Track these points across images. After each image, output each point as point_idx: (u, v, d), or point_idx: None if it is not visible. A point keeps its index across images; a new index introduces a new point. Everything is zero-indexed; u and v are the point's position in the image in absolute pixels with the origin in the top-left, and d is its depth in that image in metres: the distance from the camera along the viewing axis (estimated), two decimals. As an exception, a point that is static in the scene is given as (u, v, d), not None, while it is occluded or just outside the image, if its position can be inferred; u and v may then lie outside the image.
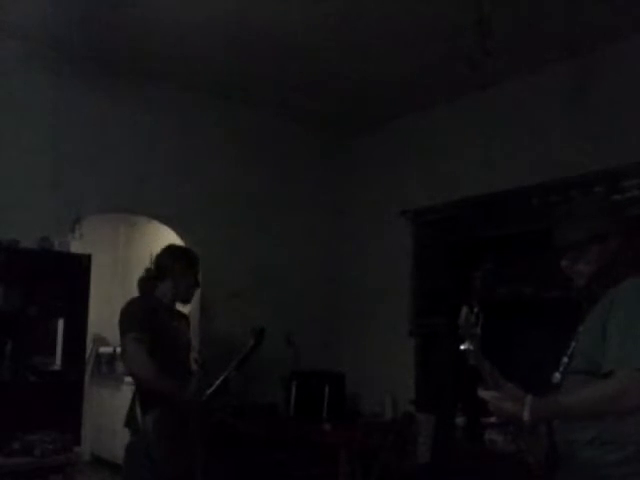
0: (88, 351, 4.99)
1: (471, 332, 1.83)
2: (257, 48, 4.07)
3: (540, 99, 4.25)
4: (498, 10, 3.18)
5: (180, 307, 3.08)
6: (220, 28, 3.83)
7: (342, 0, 3.53)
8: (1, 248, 3.60)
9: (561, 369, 1.89)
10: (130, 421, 2.69)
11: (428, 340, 4.70)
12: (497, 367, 1.94)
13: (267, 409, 4.61)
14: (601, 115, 3.89)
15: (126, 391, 5.12)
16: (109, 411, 5.82)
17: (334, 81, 4.57)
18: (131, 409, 2.70)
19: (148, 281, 2.99)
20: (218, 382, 2.34)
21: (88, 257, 3.95)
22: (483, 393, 1.78)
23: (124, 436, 2.77)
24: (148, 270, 2.98)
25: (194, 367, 2.85)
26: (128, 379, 4.80)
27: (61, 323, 3.97)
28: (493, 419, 1.81)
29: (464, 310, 1.86)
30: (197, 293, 3.23)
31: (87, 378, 5.28)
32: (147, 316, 2.72)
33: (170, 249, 3.04)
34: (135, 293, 3.09)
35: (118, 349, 5.55)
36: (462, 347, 1.84)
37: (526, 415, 1.65)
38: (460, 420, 4.15)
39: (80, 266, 3.89)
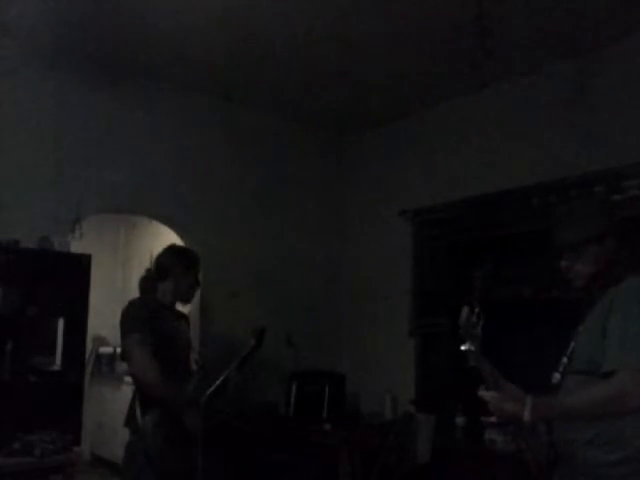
0: (88, 351, 5.00)
1: (472, 332, 1.84)
2: (257, 48, 4.07)
3: (540, 99, 4.24)
4: (498, 9, 3.19)
5: (180, 307, 3.08)
6: (220, 29, 3.82)
7: (342, 0, 3.53)
8: (1, 248, 3.60)
9: (561, 369, 1.89)
10: (130, 421, 2.69)
11: (428, 340, 4.70)
12: (497, 367, 1.94)
13: (267, 409, 4.61)
14: (601, 115, 3.89)
15: (126, 391, 5.12)
16: (109, 411, 5.83)
17: (334, 81, 4.57)
18: (131, 409, 2.71)
19: (149, 281, 3.00)
20: (218, 382, 2.34)
21: (88, 257, 3.95)
22: (484, 394, 1.78)
23: (124, 436, 2.77)
24: (148, 270, 2.99)
25: (194, 367, 2.86)
26: (128, 379, 4.80)
27: (61, 323, 3.96)
28: (493, 419, 1.81)
29: (465, 310, 1.86)
30: (197, 293, 3.23)
31: (87, 378, 5.29)
32: (149, 317, 2.72)
33: (170, 249, 3.05)
34: (135, 293, 3.09)
35: (118, 349, 5.55)
36: (463, 348, 1.85)
37: (527, 415, 1.65)
38: (460, 420, 4.16)
39: (80, 266, 3.89)
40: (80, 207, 4.08)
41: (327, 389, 4.41)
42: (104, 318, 5.45)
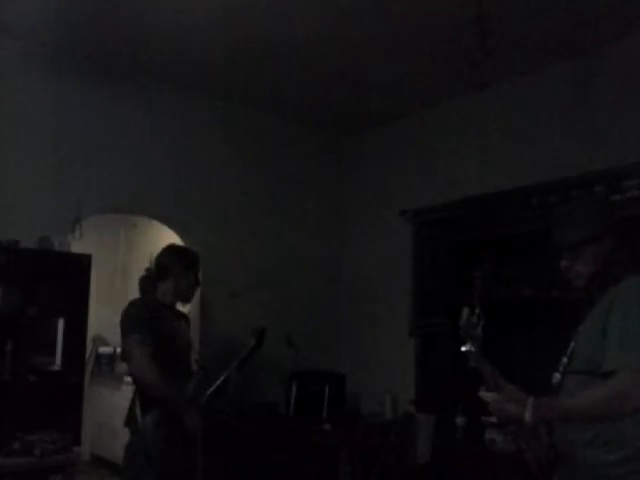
0: (88, 351, 4.99)
1: (472, 333, 1.84)
2: (257, 48, 4.07)
3: (540, 99, 4.24)
4: (498, 9, 3.19)
5: (180, 307, 3.08)
6: (220, 29, 3.82)
7: (342, 0, 3.53)
8: (1, 248, 3.60)
9: (561, 369, 1.89)
10: (130, 421, 2.69)
11: (428, 340, 4.70)
12: (497, 367, 1.94)
13: (267, 409, 4.61)
14: (601, 115, 3.89)
15: (126, 391, 5.12)
16: (109, 411, 5.82)
17: (334, 81, 4.57)
18: (131, 409, 2.71)
19: (149, 281, 3.00)
20: (218, 382, 2.34)
21: (88, 257, 3.95)
22: (484, 395, 1.78)
23: (124, 436, 2.77)
24: (149, 270, 2.99)
25: (194, 367, 2.86)
26: (128, 379, 4.80)
27: (61, 323, 3.96)
28: (493, 419, 1.81)
29: (465, 311, 1.86)
30: (197, 293, 3.23)
31: (87, 378, 5.29)
32: (149, 317, 2.72)
33: (170, 249, 3.05)
34: (135, 293, 3.09)
35: (118, 349, 5.56)
36: (463, 349, 1.84)
37: (528, 417, 1.65)
38: (460, 420, 4.16)
39: (80, 266, 3.89)
40: (80, 207, 4.08)
41: (327, 389, 4.41)
42: (104, 318, 5.45)
